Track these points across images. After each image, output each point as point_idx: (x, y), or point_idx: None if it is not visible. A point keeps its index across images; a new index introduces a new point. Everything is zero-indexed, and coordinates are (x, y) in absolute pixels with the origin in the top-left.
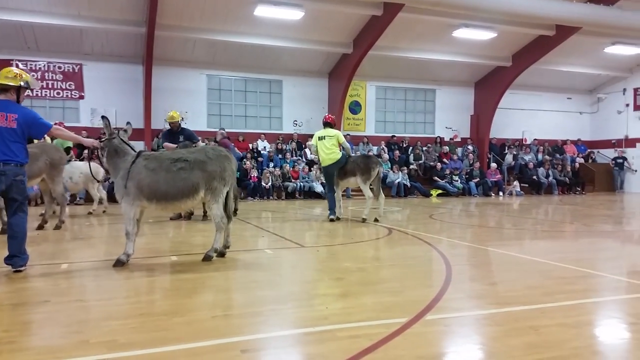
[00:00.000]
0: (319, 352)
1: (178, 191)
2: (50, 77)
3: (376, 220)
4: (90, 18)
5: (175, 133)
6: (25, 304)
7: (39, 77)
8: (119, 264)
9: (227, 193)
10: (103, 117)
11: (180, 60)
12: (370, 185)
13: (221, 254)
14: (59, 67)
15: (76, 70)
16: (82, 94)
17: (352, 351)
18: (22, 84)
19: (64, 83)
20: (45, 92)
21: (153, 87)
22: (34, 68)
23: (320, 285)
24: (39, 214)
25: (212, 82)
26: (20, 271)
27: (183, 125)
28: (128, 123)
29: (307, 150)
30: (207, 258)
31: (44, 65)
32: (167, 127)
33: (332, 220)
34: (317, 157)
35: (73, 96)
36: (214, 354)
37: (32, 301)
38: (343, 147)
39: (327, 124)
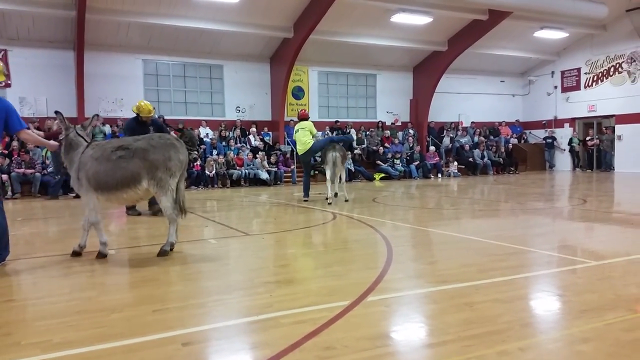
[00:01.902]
0: (263, 340)
1: (117, 181)
2: None
3: (326, 199)
4: (13, 0)
5: (144, 124)
6: None
7: None
8: (101, 255)
9: (178, 185)
10: (57, 112)
11: (113, 44)
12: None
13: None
14: None
15: (0, 57)
16: (9, 82)
17: (295, 337)
18: None
19: None
20: None
21: (85, 74)
22: None
23: (265, 273)
24: None
25: (148, 68)
26: None
27: (118, 114)
28: (95, 115)
29: (251, 137)
30: (162, 253)
31: None
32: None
33: (305, 201)
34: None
35: None
36: (154, 348)
37: None
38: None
39: (301, 119)
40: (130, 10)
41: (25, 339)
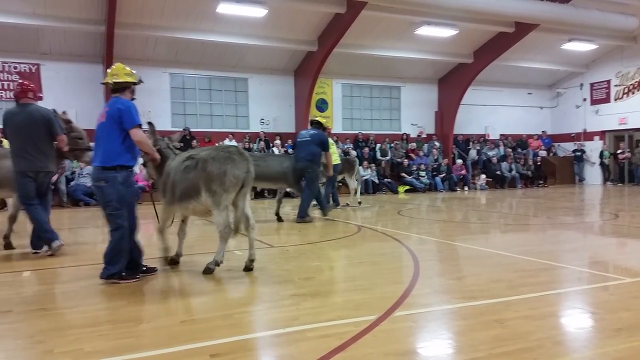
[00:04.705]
0: (289, 353)
1: (182, 192)
2: (5, 78)
3: (359, 204)
4: (46, 17)
5: None
6: None
7: None
8: (172, 263)
9: (237, 202)
10: (149, 123)
11: (141, 58)
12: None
13: (247, 269)
14: (15, 67)
15: (33, 71)
16: (40, 95)
17: (321, 351)
18: (138, 79)
19: None
20: (0, 93)
21: None
22: None
23: (290, 286)
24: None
25: (175, 81)
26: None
27: (145, 127)
28: (186, 128)
29: (274, 149)
30: (206, 271)
31: None
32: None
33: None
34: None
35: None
36: (182, 359)
37: None
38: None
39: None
40: (158, 25)
41: (58, 347)
